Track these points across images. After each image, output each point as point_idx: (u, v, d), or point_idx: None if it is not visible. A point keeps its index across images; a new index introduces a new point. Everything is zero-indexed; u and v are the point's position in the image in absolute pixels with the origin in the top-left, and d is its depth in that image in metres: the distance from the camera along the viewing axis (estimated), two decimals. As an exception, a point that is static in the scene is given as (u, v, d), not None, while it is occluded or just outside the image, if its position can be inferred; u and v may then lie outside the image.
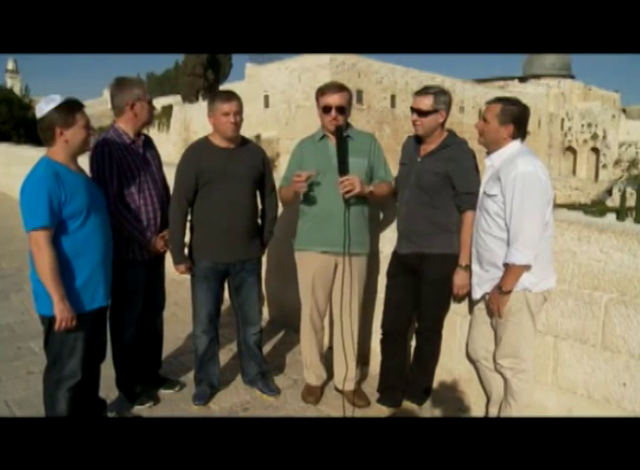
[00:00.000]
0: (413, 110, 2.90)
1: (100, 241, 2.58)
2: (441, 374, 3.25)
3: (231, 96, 2.97)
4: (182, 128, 46.66)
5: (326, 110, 2.92)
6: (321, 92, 2.96)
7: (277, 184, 3.26)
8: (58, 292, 2.37)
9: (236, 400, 3.30)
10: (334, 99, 2.91)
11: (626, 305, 2.47)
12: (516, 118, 2.60)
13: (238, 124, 2.96)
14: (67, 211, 2.42)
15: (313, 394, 3.30)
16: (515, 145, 2.63)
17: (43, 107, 2.43)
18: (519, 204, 2.47)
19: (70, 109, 2.46)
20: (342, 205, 2.91)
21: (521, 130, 2.64)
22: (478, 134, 2.73)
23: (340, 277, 3.08)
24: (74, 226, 2.46)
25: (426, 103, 2.84)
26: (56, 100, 2.44)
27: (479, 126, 2.71)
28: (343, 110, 2.94)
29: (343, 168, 2.86)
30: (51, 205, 2.35)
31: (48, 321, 2.48)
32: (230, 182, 2.99)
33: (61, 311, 2.38)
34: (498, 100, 2.67)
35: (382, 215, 3.49)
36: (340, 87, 2.96)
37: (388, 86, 39.01)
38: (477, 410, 3.11)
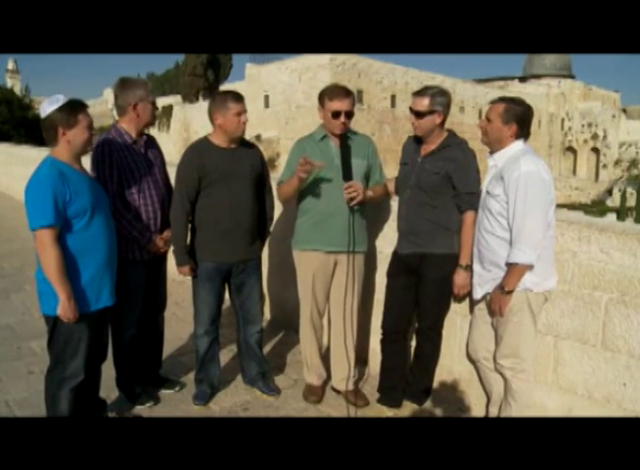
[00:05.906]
0: (411, 110, 2.90)
1: (105, 241, 2.59)
2: (441, 374, 3.25)
3: (240, 96, 3.02)
4: (182, 128, 46.63)
5: (335, 115, 2.92)
6: (329, 97, 2.93)
7: (275, 184, 3.24)
8: (64, 291, 2.38)
9: (236, 400, 3.30)
10: (344, 104, 2.91)
11: (626, 305, 2.47)
12: (519, 118, 2.60)
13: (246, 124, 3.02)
14: (71, 211, 2.42)
15: (315, 393, 3.30)
16: (518, 145, 2.63)
17: (47, 107, 2.44)
18: (522, 204, 2.47)
19: (73, 109, 2.47)
20: (343, 204, 2.94)
21: (524, 130, 2.63)
22: (480, 133, 2.72)
23: (338, 276, 3.11)
24: (79, 226, 2.47)
25: (422, 104, 2.84)
26: (60, 100, 2.46)
27: (482, 125, 2.71)
28: (352, 114, 2.96)
29: (348, 174, 2.88)
30: (56, 203, 2.35)
31: (52, 321, 2.49)
32: (233, 182, 2.99)
33: (65, 310, 2.38)
34: (502, 99, 2.66)
35: (381, 215, 3.49)
36: (347, 92, 2.96)
37: (388, 86, 38.96)
38: (477, 410, 3.11)
